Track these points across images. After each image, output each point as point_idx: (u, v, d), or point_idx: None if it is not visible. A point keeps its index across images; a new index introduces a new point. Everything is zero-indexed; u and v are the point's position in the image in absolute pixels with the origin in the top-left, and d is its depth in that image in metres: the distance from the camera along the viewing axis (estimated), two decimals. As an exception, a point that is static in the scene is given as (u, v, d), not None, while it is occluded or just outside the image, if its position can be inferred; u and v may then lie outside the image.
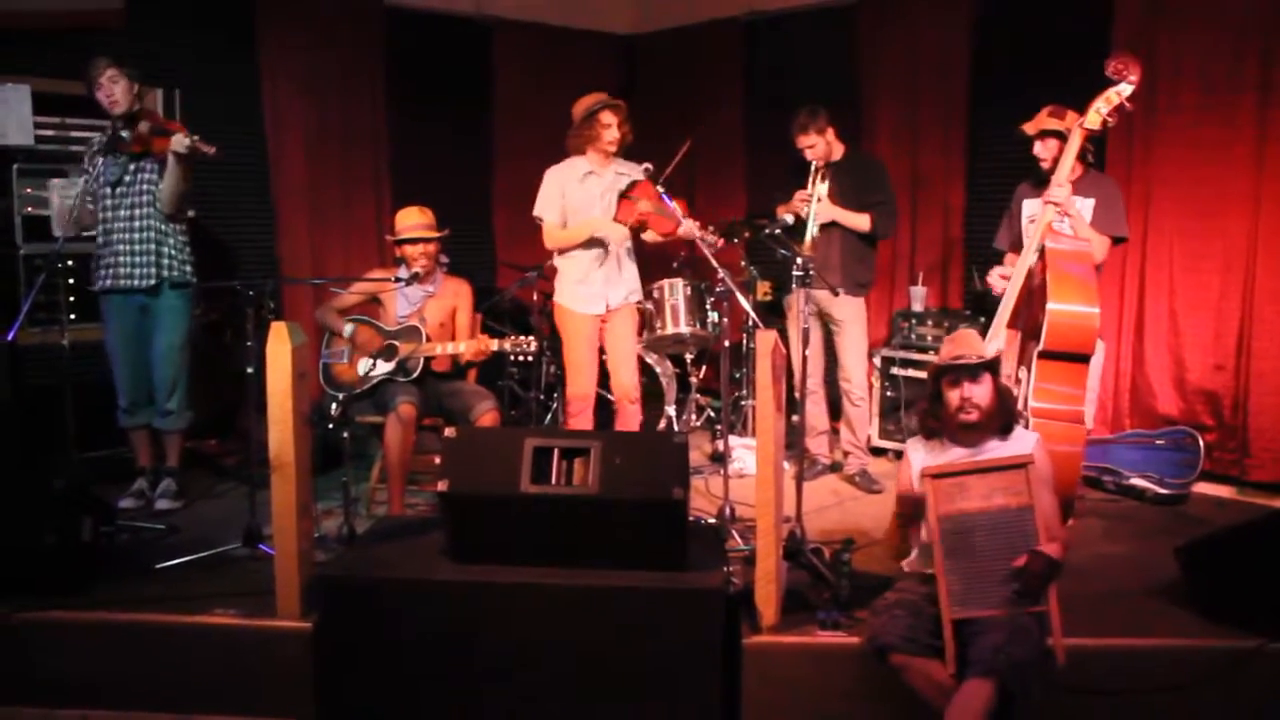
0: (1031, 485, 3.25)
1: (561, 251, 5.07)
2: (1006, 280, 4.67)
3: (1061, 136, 4.55)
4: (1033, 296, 4.43)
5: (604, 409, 5.55)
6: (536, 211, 5.04)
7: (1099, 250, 4.50)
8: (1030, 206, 4.73)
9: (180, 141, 4.59)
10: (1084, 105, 4.41)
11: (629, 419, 5.14)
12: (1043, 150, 4.66)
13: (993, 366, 3.48)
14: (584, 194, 4.98)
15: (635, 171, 4.91)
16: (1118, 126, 5.42)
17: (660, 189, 4.69)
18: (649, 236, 5.04)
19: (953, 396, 3.43)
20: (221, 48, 6.15)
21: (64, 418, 4.55)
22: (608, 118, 4.89)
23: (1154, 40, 5.34)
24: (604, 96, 4.95)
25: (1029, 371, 4.30)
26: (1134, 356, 5.57)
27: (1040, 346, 4.24)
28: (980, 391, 3.42)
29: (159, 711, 3.61)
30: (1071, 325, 4.22)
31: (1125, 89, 4.30)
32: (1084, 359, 4.28)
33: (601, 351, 5.16)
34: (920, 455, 3.54)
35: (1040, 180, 4.69)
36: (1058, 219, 4.47)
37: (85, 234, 4.96)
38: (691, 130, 5.30)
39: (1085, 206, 4.57)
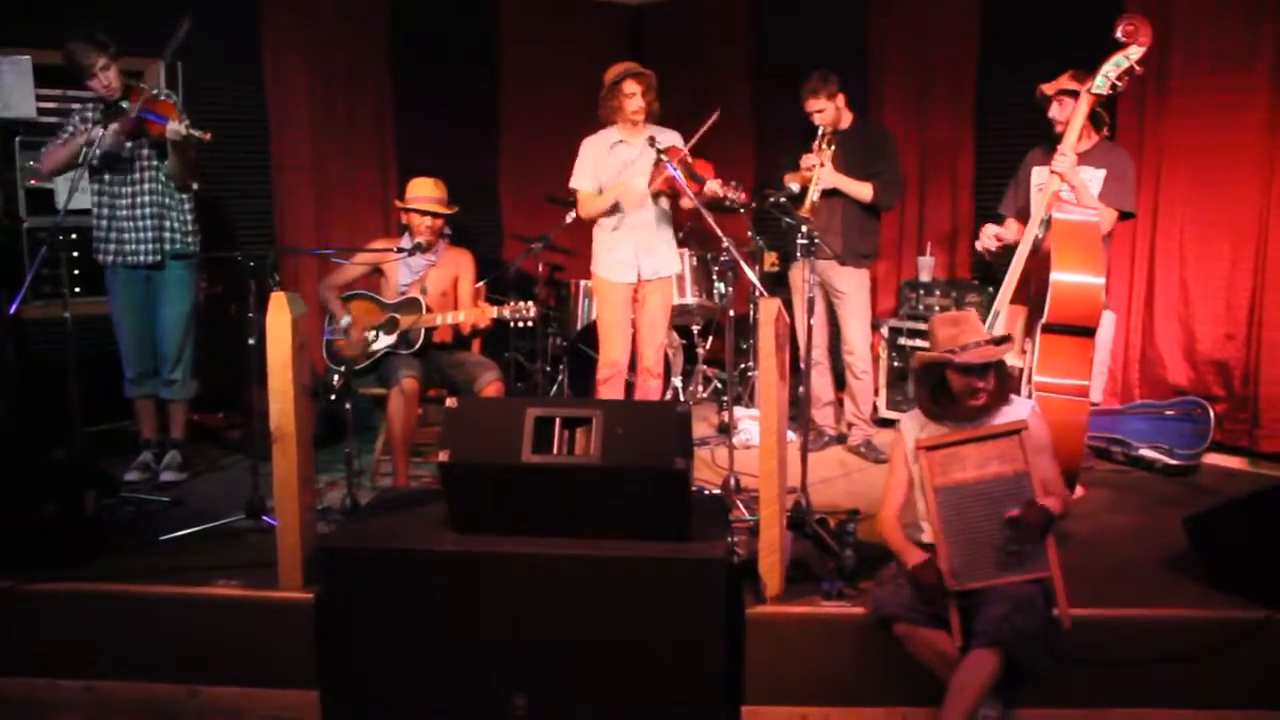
0: (1026, 451, 3.21)
1: (595, 222, 5.08)
2: (999, 242, 4.64)
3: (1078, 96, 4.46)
4: (1038, 269, 4.34)
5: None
6: (572, 183, 5.07)
7: (1105, 223, 4.41)
8: (1039, 175, 4.65)
9: (175, 130, 4.57)
10: (1093, 70, 4.30)
11: (649, 392, 5.14)
12: (1058, 112, 4.54)
13: (1000, 364, 3.38)
14: (613, 163, 4.98)
15: (669, 137, 4.89)
16: (1129, 93, 5.38)
17: (675, 166, 4.67)
18: (685, 203, 5.02)
19: (959, 384, 3.31)
20: (223, 16, 6.09)
21: (67, 391, 4.55)
22: (630, 87, 4.87)
23: (1169, 6, 5.26)
24: (632, 65, 4.93)
25: (1034, 344, 4.24)
26: (1144, 327, 5.53)
27: (1043, 319, 4.14)
28: (988, 379, 3.34)
29: (162, 682, 3.62)
30: (1075, 296, 4.12)
31: (1135, 52, 4.16)
32: (1088, 332, 4.19)
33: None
34: (915, 429, 3.49)
35: (1054, 148, 4.61)
36: (1065, 189, 4.39)
37: (84, 207, 4.95)
38: (715, 102, 5.23)
39: (1095, 177, 4.47)
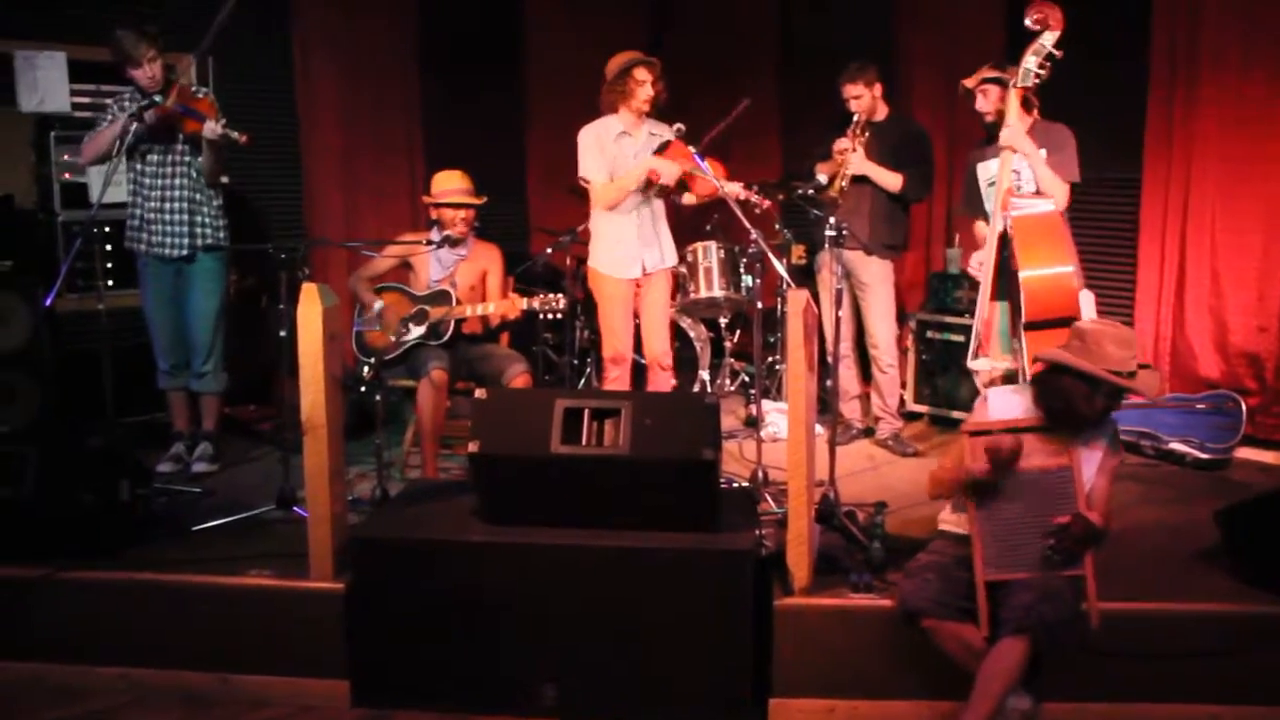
0: (1070, 448, 3.19)
1: (609, 208, 4.97)
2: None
3: (1002, 83, 4.43)
4: (1009, 265, 4.28)
5: (637, 373, 5.54)
6: (582, 173, 4.95)
7: (1060, 198, 4.34)
8: (985, 170, 4.59)
9: (212, 129, 4.62)
10: (1016, 61, 4.26)
11: (661, 385, 5.12)
12: (984, 103, 4.54)
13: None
14: (618, 154, 4.91)
15: (667, 132, 4.84)
16: (1159, 85, 5.36)
17: (693, 149, 4.64)
18: (688, 199, 5.00)
19: (1102, 404, 3.19)
20: (254, 11, 6.13)
21: (101, 382, 4.61)
22: (642, 74, 4.80)
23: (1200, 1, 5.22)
24: (638, 54, 4.88)
25: (1020, 343, 4.22)
26: (1174, 319, 5.47)
27: (1023, 319, 4.11)
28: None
29: (195, 670, 3.67)
30: (1047, 289, 4.09)
31: (1049, 38, 4.12)
32: (1069, 322, 4.15)
33: (635, 316, 5.14)
34: (1004, 406, 3.39)
35: (989, 141, 4.56)
36: (1014, 179, 4.33)
37: (117, 200, 5.01)
38: (741, 92, 5.22)
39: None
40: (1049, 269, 4.11)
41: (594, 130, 4.93)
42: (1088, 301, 4.34)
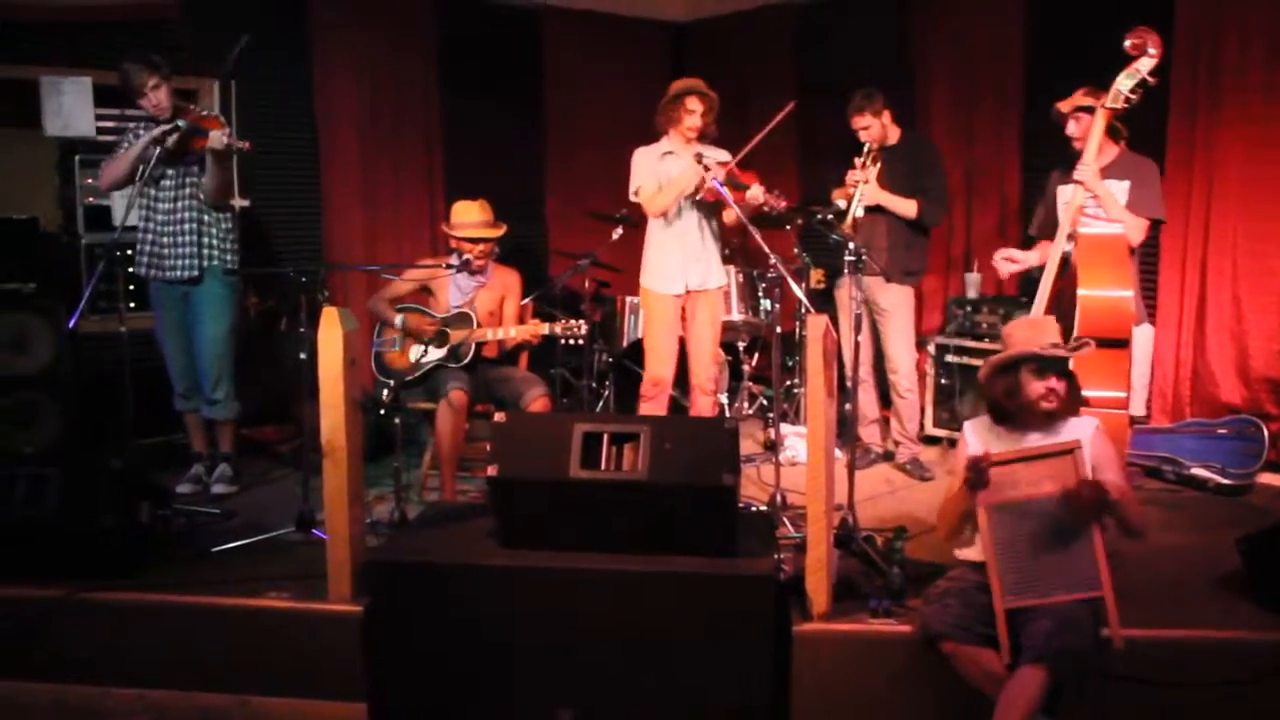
0: (1079, 471, 3.18)
1: (646, 233, 5.10)
2: (1013, 263, 4.65)
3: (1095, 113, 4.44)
4: (1068, 285, 4.30)
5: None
6: (632, 188, 5.05)
7: (1135, 233, 4.35)
8: (1064, 193, 4.58)
9: (218, 139, 4.64)
10: (1106, 85, 4.28)
11: (703, 410, 5.13)
12: (1075, 129, 4.52)
13: (1071, 373, 3.42)
14: (662, 171, 5.00)
15: (720, 155, 4.91)
16: (1180, 106, 5.36)
17: (721, 184, 4.68)
18: (728, 216, 5.02)
19: (1036, 386, 3.31)
20: (275, 36, 6.20)
21: (123, 403, 4.64)
22: (693, 104, 4.90)
23: (1220, 18, 5.22)
24: (699, 83, 4.97)
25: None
26: (1195, 344, 5.45)
27: (1074, 334, 4.10)
28: (1062, 384, 3.35)
29: (212, 692, 3.67)
30: (1103, 310, 4.09)
31: (1146, 64, 4.14)
32: (1121, 344, 4.16)
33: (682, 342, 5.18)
34: (980, 437, 3.46)
35: (1073, 165, 4.56)
36: (1089, 203, 4.35)
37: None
38: (758, 117, 5.21)
39: (1120, 189, 4.41)
40: (1109, 291, 4.13)
41: (644, 150, 5.06)
42: (1146, 336, 4.33)
